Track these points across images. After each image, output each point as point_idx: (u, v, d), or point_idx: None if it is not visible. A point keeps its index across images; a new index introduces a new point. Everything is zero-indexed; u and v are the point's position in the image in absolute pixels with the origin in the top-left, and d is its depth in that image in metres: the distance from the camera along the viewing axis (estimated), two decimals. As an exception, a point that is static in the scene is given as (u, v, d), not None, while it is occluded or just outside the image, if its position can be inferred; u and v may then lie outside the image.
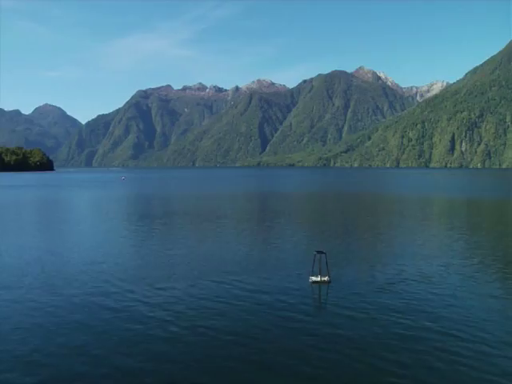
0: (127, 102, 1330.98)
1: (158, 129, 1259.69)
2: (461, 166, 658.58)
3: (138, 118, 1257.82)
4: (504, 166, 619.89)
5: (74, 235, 47.83)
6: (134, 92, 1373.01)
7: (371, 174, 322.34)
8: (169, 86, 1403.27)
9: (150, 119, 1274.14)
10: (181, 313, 23.45)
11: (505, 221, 65.75)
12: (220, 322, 22.13)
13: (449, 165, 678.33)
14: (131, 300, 25.59)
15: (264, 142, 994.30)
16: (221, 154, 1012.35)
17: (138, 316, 22.96)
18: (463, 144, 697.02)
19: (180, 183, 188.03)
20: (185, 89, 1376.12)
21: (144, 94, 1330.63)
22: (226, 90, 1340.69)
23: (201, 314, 23.37)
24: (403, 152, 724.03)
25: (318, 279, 36.64)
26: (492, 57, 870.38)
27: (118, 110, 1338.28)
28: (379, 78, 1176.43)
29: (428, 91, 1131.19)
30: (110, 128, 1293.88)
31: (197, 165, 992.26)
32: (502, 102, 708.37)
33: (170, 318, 22.65)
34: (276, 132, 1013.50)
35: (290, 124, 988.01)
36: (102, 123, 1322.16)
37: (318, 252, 35.55)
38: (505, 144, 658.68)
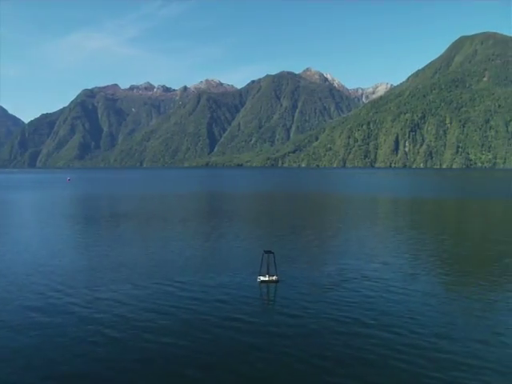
0: (72, 101, 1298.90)
1: (105, 129, 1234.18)
2: (404, 166, 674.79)
3: (83, 117, 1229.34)
4: (444, 166, 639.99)
5: (16, 238, 46.20)
6: (79, 91, 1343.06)
7: (318, 174, 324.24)
8: (116, 85, 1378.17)
9: (97, 119, 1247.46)
10: (122, 316, 23.34)
11: (443, 219, 68.09)
12: (163, 324, 22.29)
13: (393, 165, 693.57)
14: (71, 303, 25.31)
15: (212, 142, 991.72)
16: (169, 154, 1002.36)
17: (76, 319, 22.76)
18: (406, 144, 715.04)
19: (126, 184, 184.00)
20: (132, 88, 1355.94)
21: (90, 93, 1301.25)
22: (174, 90, 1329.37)
23: (143, 316, 23.39)
24: (349, 152, 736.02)
25: (267, 279, 37.23)
26: (432, 61, 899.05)
27: (62, 109, 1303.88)
28: (326, 79, 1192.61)
29: (373, 93, 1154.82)
30: (55, 127, 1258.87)
31: (144, 165, 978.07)
32: (442, 104, 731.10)
33: (110, 321, 22.52)
34: (224, 132, 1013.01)
35: (239, 124, 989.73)
36: (46, 122, 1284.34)
37: (266, 252, 36.07)
38: (445, 145, 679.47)
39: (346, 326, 22.26)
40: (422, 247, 42.28)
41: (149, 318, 23.06)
